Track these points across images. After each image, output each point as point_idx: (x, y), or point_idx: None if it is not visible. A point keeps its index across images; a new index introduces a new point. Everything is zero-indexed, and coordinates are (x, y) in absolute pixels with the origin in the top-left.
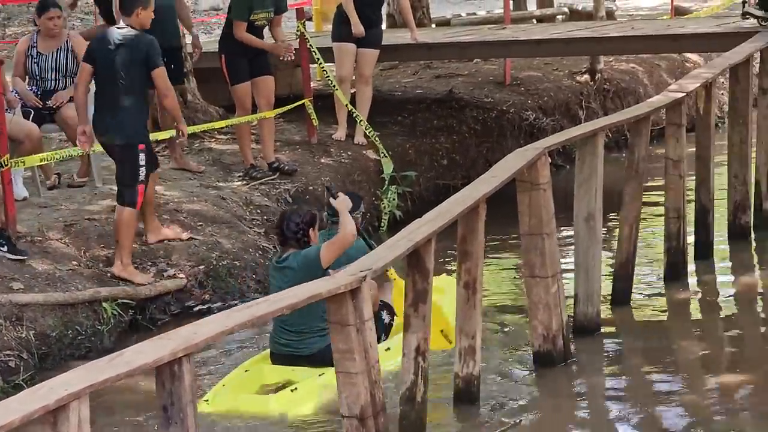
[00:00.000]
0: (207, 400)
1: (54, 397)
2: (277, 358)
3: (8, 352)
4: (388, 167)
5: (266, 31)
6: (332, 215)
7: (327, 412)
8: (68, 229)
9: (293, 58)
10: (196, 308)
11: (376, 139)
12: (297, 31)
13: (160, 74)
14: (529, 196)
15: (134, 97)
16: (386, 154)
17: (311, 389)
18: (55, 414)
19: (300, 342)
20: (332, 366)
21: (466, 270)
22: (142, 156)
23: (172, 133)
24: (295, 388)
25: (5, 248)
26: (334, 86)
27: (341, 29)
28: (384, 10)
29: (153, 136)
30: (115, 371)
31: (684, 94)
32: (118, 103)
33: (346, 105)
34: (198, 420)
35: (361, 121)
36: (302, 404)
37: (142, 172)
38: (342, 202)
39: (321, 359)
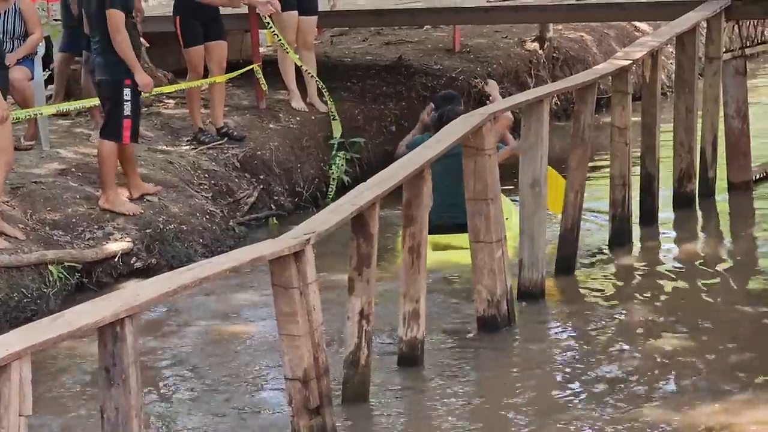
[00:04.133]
0: None
1: None
2: (439, 228)
3: None
4: (337, 130)
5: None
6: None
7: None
8: (14, 192)
9: (275, 9)
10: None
11: (330, 99)
12: None
13: (109, 15)
14: (475, 162)
15: (109, 35)
16: (336, 117)
17: None
18: None
19: (462, 212)
20: None
21: (410, 235)
22: (126, 91)
23: (94, 101)
24: None
25: None
26: (286, 49)
27: None
28: None
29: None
30: (57, 332)
31: (630, 62)
32: (98, 43)
33: (302, 66)
34: None
35: (312, 75)
36: None
37: (127, 107)
38: (493, 86)
39: None
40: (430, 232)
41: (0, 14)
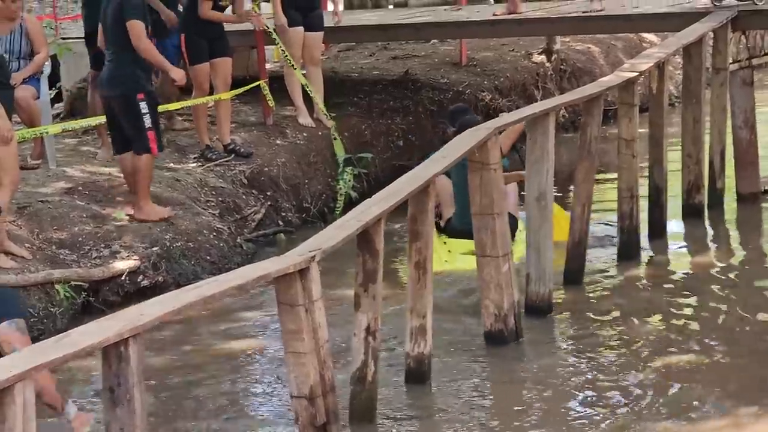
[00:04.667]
0: (447, 261)
1: None
2: (461, 233)
3: None
4: (340, 150)
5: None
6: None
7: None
8: (21, 211)
9: (264, 26)
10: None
11: (330, 119)
12: (253, 11)
13: (131, 26)
14: (480, 176)
15: (123, 49)
16: (337, 137)
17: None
18: (1, 395)
19: None
20: None
21: (416, 250)
22: (143, 104)
23: (101, 119)
24: None
25: None
26: (292, 65)
27: (288, 14)
28: None
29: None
30: (61, 352)
31: (636, 74)
32: (112, 56)
33: (306, 85)
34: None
35: (314, 97)
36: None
37: (147, 119)
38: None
39: None
40: (454, 236)
41: (7, 34)
